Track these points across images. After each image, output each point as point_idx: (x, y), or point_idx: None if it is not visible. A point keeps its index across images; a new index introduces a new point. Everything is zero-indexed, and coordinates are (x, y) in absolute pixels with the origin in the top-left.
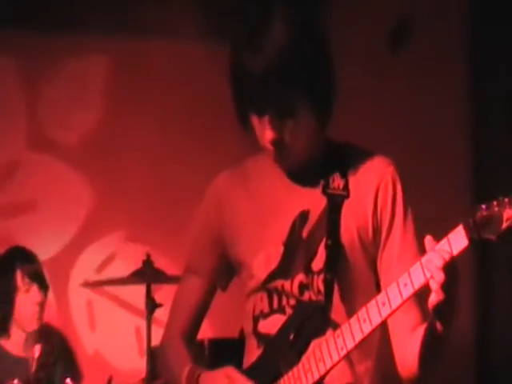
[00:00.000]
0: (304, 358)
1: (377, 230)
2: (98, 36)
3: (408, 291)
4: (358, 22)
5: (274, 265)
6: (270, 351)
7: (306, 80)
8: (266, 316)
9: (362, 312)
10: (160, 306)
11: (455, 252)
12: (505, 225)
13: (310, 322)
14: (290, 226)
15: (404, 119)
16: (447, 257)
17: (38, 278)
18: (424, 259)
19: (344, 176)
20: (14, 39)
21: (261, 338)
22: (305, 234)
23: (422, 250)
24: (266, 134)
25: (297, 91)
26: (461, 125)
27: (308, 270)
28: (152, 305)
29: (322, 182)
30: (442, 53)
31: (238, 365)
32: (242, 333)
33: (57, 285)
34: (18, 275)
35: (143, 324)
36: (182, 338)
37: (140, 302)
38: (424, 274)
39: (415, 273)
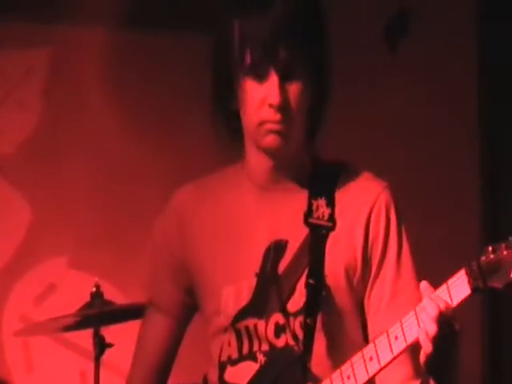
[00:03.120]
0: None
1: (366, 267)
2: (38, 23)
3: (399, 345)
4: (349, 13)
5: (245, 300)
6: None
7: (309, 47)
8: (234, 363)
9: (346, 367)
10: (110, 346)
11: (455, 302)
12: None
13: (286, 373)
14: (263, 254)
15: (404, 129)
16: (443, 306)
17: None
18: (418, 307)
19: (330, 203)
20: None
21: None
22: (281, 267)
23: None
24: (271, 97)
25: (301, 56)
26: (472, 139)
27: (284, 311)
28: (101, 345)
29: (304, 209)
30: (449, 49)
31: None
32: (205, 379)
33: None
34: None
35: (90, 367)
36: None
37: (86, 340)
38: (419, 325)
39: (408, 323)
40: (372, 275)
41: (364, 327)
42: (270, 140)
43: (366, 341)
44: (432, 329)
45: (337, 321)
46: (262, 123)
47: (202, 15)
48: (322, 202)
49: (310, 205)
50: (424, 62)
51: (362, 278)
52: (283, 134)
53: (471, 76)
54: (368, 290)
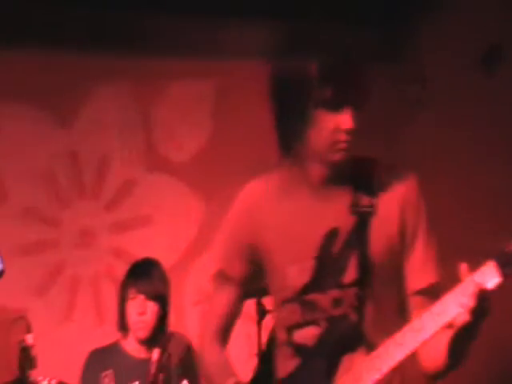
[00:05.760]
0: (341, 375)
1: (402, 241)
2: (203, 60)
3: (442, 319)
4: (447, 48)
5: (306, 278)
6: (308, 364)
7: (363, 84)
8: (300, 326)
9: (399, 335)
10: (270, 312)
11: (489, 286)
12: None
13: (345, 337)
14: (319, 241)
15: (494, 147)
16: (480, 287)
17: (148, 291)
18: (460, 286)
19: (371, 194)
20: (128, 65)
21: (297, 347)
22: (335, 250)
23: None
24: (344, 124)
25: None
26: None
27: (340, 285)
28: (262, 311)
29: (350, 200)
30: None
31: (269, 370)
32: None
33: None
34: (128, 284)
35: (254, 330)
36: (220, 343)
37: (251, 308)
38: (457, 302)
39: (448, 302)
40: (407, 247)
41: (398, 294)
42: (340, 156)
43: (400, 304)
44: (471, 302)
45: (382, 289)
46: (335, 143)
47: None
48: (363, 193)
49: (354, 196)
50: None
51: (399, 250)
52: (348, 149)
53: None
54: (405, 257)
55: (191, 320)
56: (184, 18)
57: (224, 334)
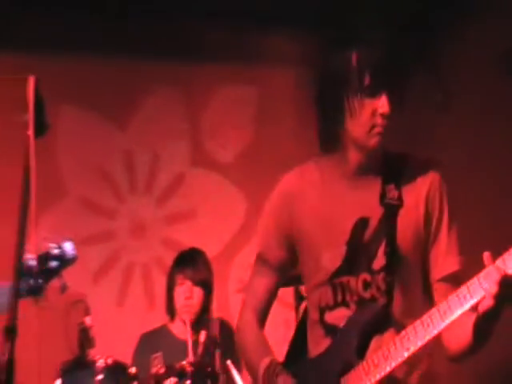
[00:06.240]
0: (371, 354)
1: (427, 230)
2: (247, 67)
3: (467, 302)
4: (470, 48)
5: (338, 262)
6: (339, 343)
7: (399, 78)
8: (331, 308)
9: (425, 317)
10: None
11: (510, 271)
12: None
13: (374, 319)
14: (351, 228)
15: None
16: (503, 273)
17: (194, 278)
18: (484, 272)
19: (399, 187)
20: (176, 71)
21: (328, 327)
22: (365, 237)
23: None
24: (381, 108)
25: (398, 83)
26: None
27: (370, 270)
28: (300, 298)
29: (379, 193)
30: None
31: (302, 349)
32: (302, 320)
33: (216, 284)
34: (176, 271)
35: (292, 316)
36: (258, 323)
37: (288, 295)
38: (481, 287)
39: (473, 287)
40: (432, 237)
41: (424, 279)
42: (376, 140)
43: (424, 290)
44: (494, 289)
45: (408, 276)
46: (372, 128)
47: None
48: (392, 186)
49: (383, 189)
50: None
51: (424, 240)
52: (383, 134)
53: None
54: (430, 246)
55: (234, 306)
56: (233, 27)
57: (262, 314)
